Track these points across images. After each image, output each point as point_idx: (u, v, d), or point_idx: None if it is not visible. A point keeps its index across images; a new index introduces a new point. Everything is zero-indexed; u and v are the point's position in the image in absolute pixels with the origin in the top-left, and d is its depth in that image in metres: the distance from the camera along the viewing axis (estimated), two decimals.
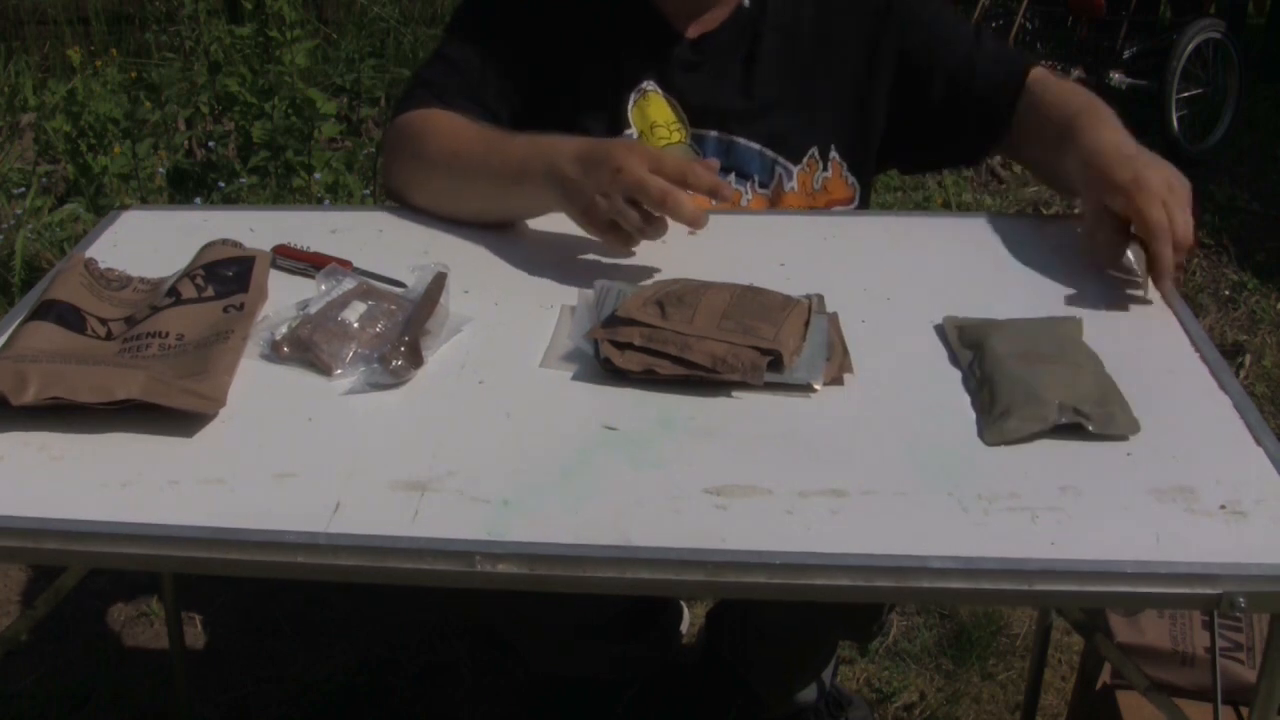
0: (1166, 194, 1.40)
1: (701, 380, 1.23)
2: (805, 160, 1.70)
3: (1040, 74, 1.67)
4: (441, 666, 2.35)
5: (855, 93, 1.70)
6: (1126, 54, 5.18)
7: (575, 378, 1.27)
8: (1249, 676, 1.73)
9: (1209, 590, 0.98)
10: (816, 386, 1.23)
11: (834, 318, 1.35)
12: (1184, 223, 1.39)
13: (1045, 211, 4.42)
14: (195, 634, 2.46)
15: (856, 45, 1.69)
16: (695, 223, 1.40)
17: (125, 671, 2.36)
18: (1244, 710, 1.71)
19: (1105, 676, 1.84)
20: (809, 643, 1.96)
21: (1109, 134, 1.51)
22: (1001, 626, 2.42)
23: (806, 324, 1.30)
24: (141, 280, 1.46)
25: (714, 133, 1.70)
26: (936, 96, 1.69)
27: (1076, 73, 5.14)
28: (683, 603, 2.36)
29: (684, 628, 2.33)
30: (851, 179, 1.74)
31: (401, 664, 2.36)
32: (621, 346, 1.25)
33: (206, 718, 2.23)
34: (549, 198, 1.50)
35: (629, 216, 1.41)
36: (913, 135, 1.73)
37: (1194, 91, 5.05)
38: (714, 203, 1.45)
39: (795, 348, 1.24)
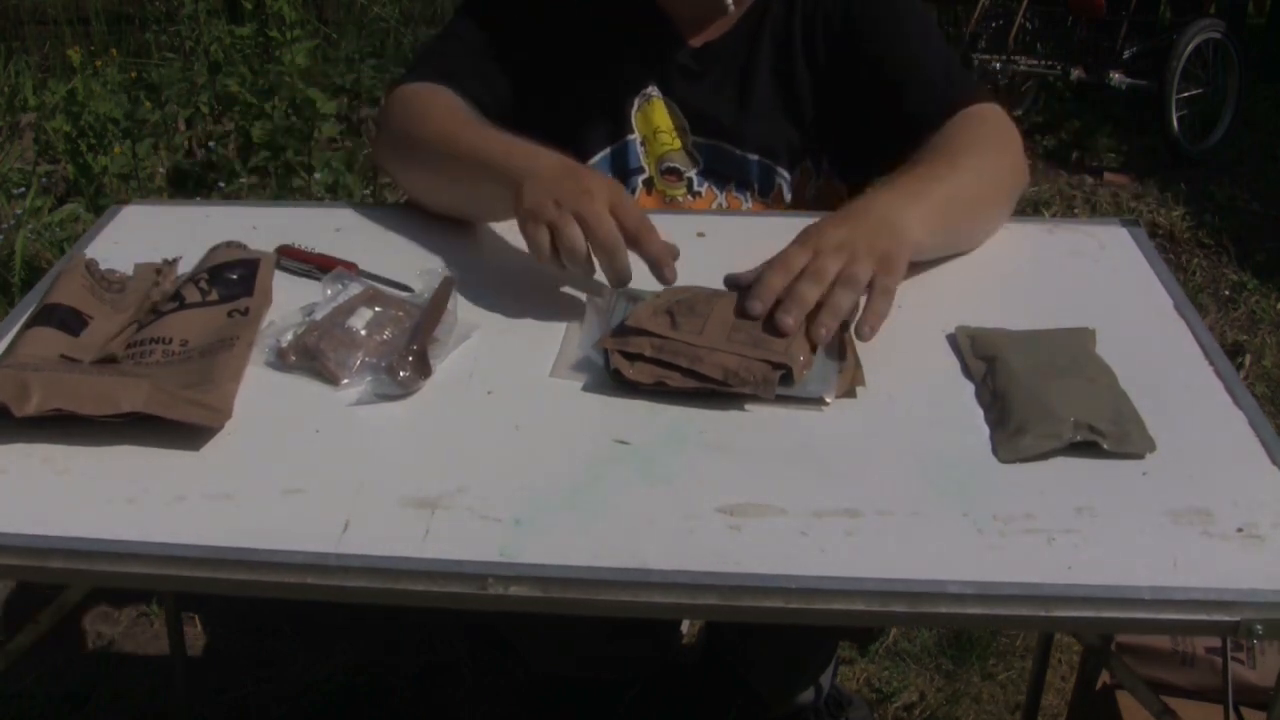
0: (827, 246, 1.29)
1: (712, 392, 1.22)
2: (799, 170, 1.70)
3: (965, 114, 1.58)
4: (441, 666, 2.35)
5: (834, 105, 1.69)
6: (1126, 54, 5.17)
7: (585, 388, 1.26)
8: (1249, 677, 1.74)
9: (1226, 617, 0.97)
10: (828, 400, 1.22)
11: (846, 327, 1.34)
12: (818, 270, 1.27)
13: (1045, 212, 4.42)
14: (195, 634, 2.46)
15: (832, 57, 1.68)
16: (619, 278, 1.34)
17: (125, 671, 2.37)
18: (1244, 711, 1.71)
19: (1105, 676, 1.84)
20: (809, 643, 1.96)
21: (885, 195, 1.40)
22: (1001, 627, 2.42)
23: None
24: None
25: (711, 142, 1.69)
26: (878, 111, 1.64)
27: (1077, 72, 5.14)
28: None
29: (684, 628, 2.33)
30: (843, 188, 1.74)
31: (401, 664, 2.36)
32: (632, 358, 1.24)
33: (206, 718, 2.23)
34: (510, 196, 1.43)
35: (565, 232, 1.33)
36: (874, 141, 1.69)
37: (1194, 91, 5.04)
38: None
39: (806, 361, 1.24)
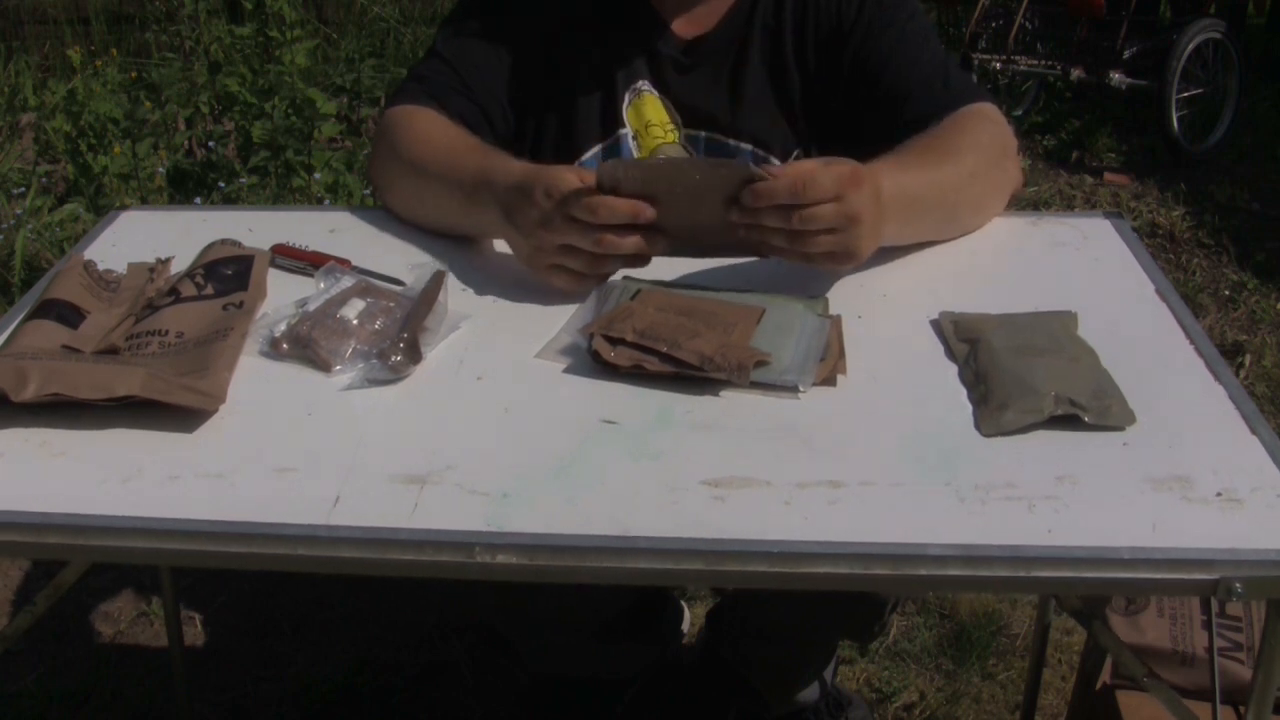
0: (825, 174, 1.31)
1: (689, 377, 1.24)
2: (792, 160, 1.70)
3: (961, 113, 1.58)
4: (441, 666, 2.35)
5: (823, 95, 1.70)
6: (1126, 54, 5.17)
7: (573, 372, 1.28)
8: (1248, 676, 1.73)
9: (1205, 576, 0.99)
10: (802, 389, 1.23)
11: (837, 321, 1.35)
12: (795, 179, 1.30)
13: (1045, 211, 4.42)
14: (195, 634, 2.46)
15: (823, 48, 1.69)
16: (635, 215, 1.35)
17: (125, 671, 2.37)
18: (1243, 710, 1.70)
19: (1105, 676, 1.83)
20: (809, 643, 1.95)
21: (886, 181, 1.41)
22: (1001, 626, 2.42)
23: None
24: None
25: (704, 134, 1.70)
26: (875, 118, 1.65)
27: (1077, 72, 5.14)
28: (683, 602, 2.36)
29: (684, 627, 2.33)
30: None
31: (401, 664, 2.36)
32: (614, 341, 1.26)
33: (206, 718, 2.23)
34: (496, 222, 1.48)
35: (565, 267, 1.39)
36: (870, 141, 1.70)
37: (1194, 91, 5.05)
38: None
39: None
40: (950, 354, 1.29)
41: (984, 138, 1.56)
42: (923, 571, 1.00)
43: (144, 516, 1.07)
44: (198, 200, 3.91)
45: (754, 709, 2.05)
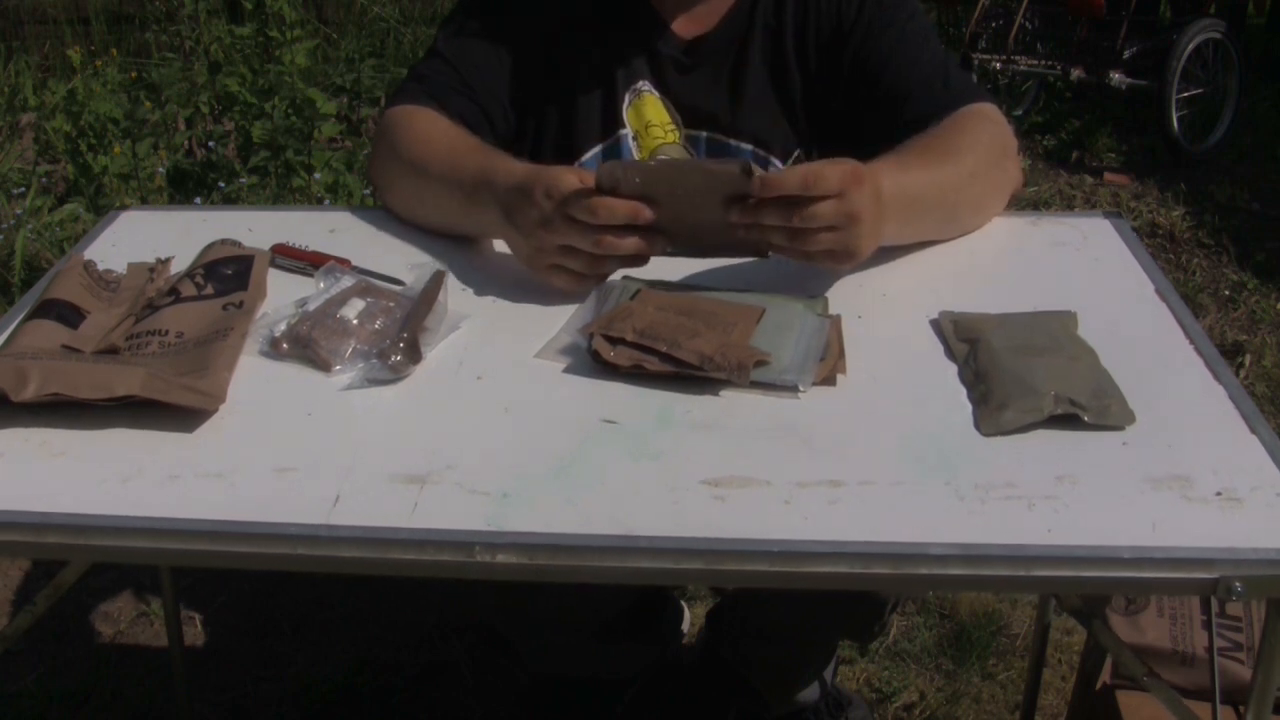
0: (829, 170, 1.32)
1: (689, 377, 1.24)
2: (791, 161, 1.71)
3: (962, 113, 1.58)
4: (441, 666, 2.35)
5: (824, 95, 1.70)
6: (1126, 54, 5.18)
7: (573, 372, 1.28)
8: (1248, 676, 1.73)
9: (1205, 575, 0.99)
10: (802, 389, 1.24)
11: (836, 320, 1.36)
12: (804, 177, 1.31)
13: (1045, 211, 4.42)
14: (195, 634, 2.46)
15: (824, 48, 1.69)
16: (635, 216, 1.37)
17: (125, 671, 2.37)
18: (1243, 710, 1.70)
19: (1105, 676, 1.83)
20: (809, 643, 1.95)
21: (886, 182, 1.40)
22: (1001, 626, 2.42)
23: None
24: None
25: (705, 134, 1.71)
26: (876, 118, 1.65)
27: (1077, 72, 5.15)
28: (683, 602, 2.36)
29: (684, 627, 2.33)
30: None
31: (401, 664, 2.36)
32: (614, 341, 1.27)
33: (206, 717, 2.24)
34: (496, 222, 1.48)
35: (569, 268, 1.40)
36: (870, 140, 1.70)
37: (1194, 91, 5.05)
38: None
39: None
40: (950, 354, 1.29)
41: (984, 138, 1.56)
42: (923, 571, 1.00)
43: (144, 516, 1.07)
44: (198, 200, 3.91)
45: (754, 709, 2.05)
